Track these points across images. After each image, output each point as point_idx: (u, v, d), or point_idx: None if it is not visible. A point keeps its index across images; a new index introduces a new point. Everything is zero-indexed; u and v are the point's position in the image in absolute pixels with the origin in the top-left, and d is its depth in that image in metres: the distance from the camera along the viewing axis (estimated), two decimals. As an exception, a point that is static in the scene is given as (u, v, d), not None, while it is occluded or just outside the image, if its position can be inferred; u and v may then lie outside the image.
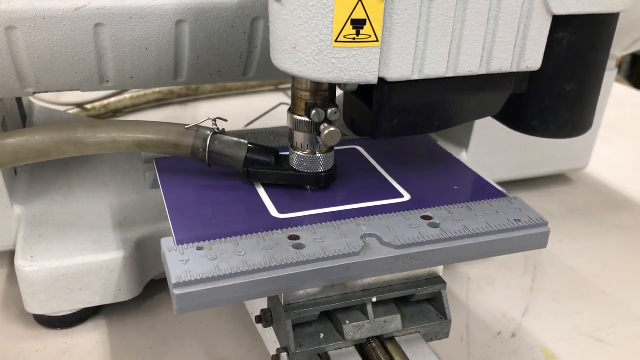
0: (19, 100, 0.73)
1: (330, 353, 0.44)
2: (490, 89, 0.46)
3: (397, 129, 0.45)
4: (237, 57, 0.56)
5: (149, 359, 0.54)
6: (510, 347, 0.57)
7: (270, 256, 0.41)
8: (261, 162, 0.50)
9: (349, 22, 0.39)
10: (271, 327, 0.47)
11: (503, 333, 0.59)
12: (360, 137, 0.59)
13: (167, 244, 0.42)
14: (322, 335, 0.44)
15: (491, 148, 0.75)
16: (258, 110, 1.05)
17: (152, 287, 0.60)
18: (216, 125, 0.50)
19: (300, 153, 0.49)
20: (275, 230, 0.44)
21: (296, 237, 0.43)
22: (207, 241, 0.42)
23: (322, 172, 0.49)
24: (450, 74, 0.43)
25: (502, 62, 0.44)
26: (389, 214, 0.47)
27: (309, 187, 0.50)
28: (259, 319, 0.47)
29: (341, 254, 0.42)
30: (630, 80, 2.01)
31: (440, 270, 0.48)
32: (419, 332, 0.47)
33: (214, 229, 0.44)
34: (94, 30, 0.50)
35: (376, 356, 0.44)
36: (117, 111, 1.04)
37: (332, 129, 0.45)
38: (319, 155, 0.48)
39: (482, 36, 0.43)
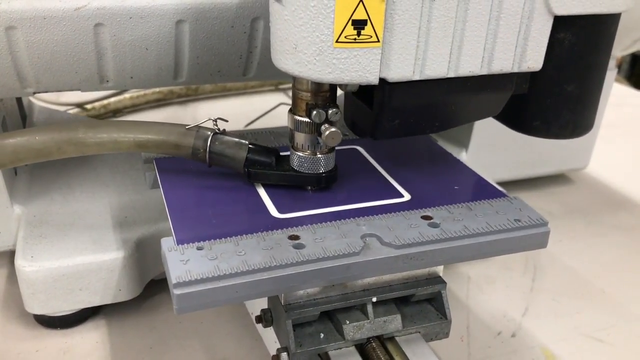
0: (19, 100, 0.73)
1: (330, 353, 0.44)
2: (491, 90, 0.46)
3: (398, 129, 0.45)
4: (237, 57, 0.56)
5: (148, 359, 0.54)
6: (510, 347, 0.57)
7: (270, 256, 0.41)
8: (262, 162, 0.50)
9: (350, 22, 0.38)
10: (271, 327, 0.47)
11: (503, 333, 0.59)
12: (359, 137, 0.59)
13: (167, 243, 0.42)
14: (322, 335, 0.44)
15: (491, 148, 0.75)
16: (258, 110, 1.05)
17: (152, 287, 0.60)
18: (217, 125, 0.50)
19: (301, 154, 0.49)
20: (275, 230, 0.44)
21: (296, 237, 0.43)
22: (207, 241, 0.42)
23: (322, 173, 0.49)
24: (452, 75, 0.43)
25: (503, 63, 0.44)
26: (389, 213, 0.47)
27: (309, 187, 0.50)
28: (259, 319, 0.47)
29: (341, 254, 0.42)
30: (630, 80, 2.01)
31: (440, 270, 0.48)
32: (419, 332, 0.47)
33: (214, 229, 0.44)
34: (94, 30, 0.50)
35: (376, 356, 0.44)
36: (117, 111, 1.04)
37: (333, 129, 0.45)
38: (319, 155, 0.48)
39: (483, 36, 0.43)
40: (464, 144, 0.75)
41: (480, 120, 0.51)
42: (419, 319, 0.47)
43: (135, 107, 1.06)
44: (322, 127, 0.46)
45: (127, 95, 1.05)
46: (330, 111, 0.46)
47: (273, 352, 0.46)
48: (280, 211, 0.47)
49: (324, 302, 0.44)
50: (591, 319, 0.61)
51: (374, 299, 0.45)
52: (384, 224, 0.45)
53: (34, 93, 0.54)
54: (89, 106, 1.01)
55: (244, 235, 0.43)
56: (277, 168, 0.50)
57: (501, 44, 0.43)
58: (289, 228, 0.44)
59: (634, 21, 0.66)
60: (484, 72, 0.44)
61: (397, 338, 0.46)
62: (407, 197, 0.50)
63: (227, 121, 0.50)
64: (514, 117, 0.50)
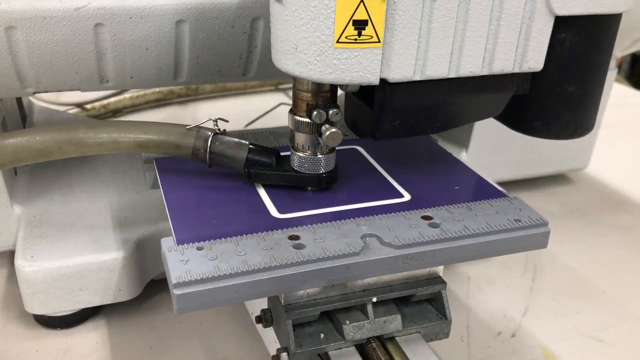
0: (19, 100, 0.73)
1: (331, 353, 0.44)
2: (492, 90, 0.46)
3: (399, 130, 0.45)
4: (237, 57, 0.56)
5: (148, 358, 0.54)
6: (510, 347, 0.57)
7: (270, 256, 0.41)
8: (262, 162, 0.50)
9: (351, 22, 0.38)
10: (271, 327, 0.47)
11: (503, 333, 0.59)
12: (360, 137, 0.59)
13: (167, 244, 0.42)
14: (322, 335, 0.44)
15: (491, 148, 0.75)
16: (258, 110, 1.05)
17: (152, 287, 0.60)
18: (217, 125, 0.50)
19: (301, 154, 0.48)
20: (275, 230, 0.44)
21: (296, 237, 0.43)
22: (207, 241, 0.42)
23: (323, 173, 0.49)
24: (452, 75, 0.43)
25: (504, 63, 0.44)
26: (389, 214, 0.47)
27: (310, 188, 0.50)
28: (259, 319, 0.47)
29: (341, 254, 0.42)
30: (630, 80, 2.01)
31: (440, 270, 0.48)
32: (419, 332, 0.47)
33: (214, 229, 0.44)
34: (94, 30, 0.50)
35: (376, 356, 0.44)
36: (117, 111, 1.04)
37: (334, 130, 0.45)
38: (320, 156, 0.48)
39: (484, 37, 0.43)
40: (464, 144, 0.75)
41: (481, 121, 0.51)
42: (419, 319, 0.47)
43: (135, 107, 1.06)
44: (323, 128, 0.46)
45: (127, 95, 1.05)
46: (330, 111, 0.46)
47: (273, 352, 0.46)
48: (280, 211, 0.47)
49: (324, 302, 0.44)
50: (591, 319, 0.61)
51: (374, 299, 0.45)
52: (384, 224, 0.45)
53: (34, 93, 0.54)
54: (89, 106, 1.01)
55: (244, 235, 0.43)
56: (278, 168, 0.50)
57: (502, 44, 0.43)
58: (289, 228, 0.44)
59: (634, 21, 0.66)
60: (485, 72, 0.44)
61: (397, 338, 0.46)
62: (407, 197, 0.50)
63: (227, 121, 0.50)
64: (514, 118, 0.50)
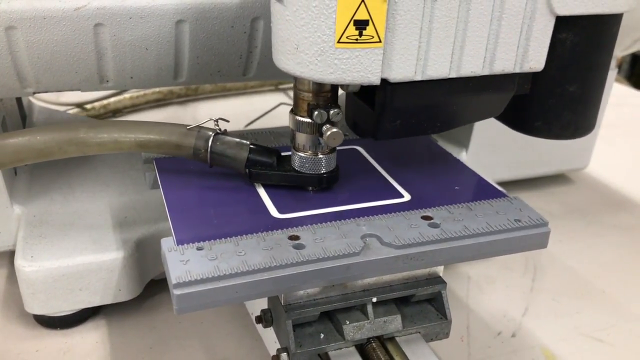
0: (18, 100, 0.73)
1: (330, 353, 0.44)
2: (493, 90, 0.46)
3: (400, 130, 0.45)
4: (237, 57, 0.56)
5: (148, 359, 0.54)
6: (510, 347, 0.57)
7: (271, 256, 0.41)
8: (263, 162, 0.50)
9: (352, 22, 0.38)
10: (271, 327, 0.47)
11: (503, 333, 0.59)
12: (361, 138, 0.59)
13: (167, 244, 0.42)
14: (322, 336, 0.44)
15: (491, 148, 0.75)
16: (258, 110, 1.05)
17: (152, 287, 0.60)
18: (218, 125, 0.50)
19: (302, 154, 0.48)
20: (275, 231, 0.44)
21: (296, 237, 0.43)
22: (207, 241, 0.42)
23: (324, 173, 0.49)
24: (453, 75, 0.43)
25: (505, 63, 0.44)
26: (389, 214, 0.47)
27: (310, 188, 0.50)
28: (259, 319, 0.47)
29: (341, 254, 0.41)
30: (630, 80, 2.01)
31: (440, 270, 0.48)
32: (419, 332, 0.47)
33: (214, 229, 0.44)
34: (94, 30, 0.50)
35: (376, 356, 0.44)
36: (117, 111, 1.04)
37: (335, 130, 0.45)
38: (321, 156, 0.48)
39: (485, 37, 0.43)
40: (464, 144, 0.74)
41: (481, 121, 0.51)
42: (419, 319, 0.47)
43: (135, 107, 1.06)
44: (324, 128, 0.46)
45: (127, 95, 1.05)
46: (331, 111, 0.46)
47: (273, 352, 0.46)
48: (280, 211, 0.47)
49: (324, 303, 0.44)
50: (591, 319, 0.61)
51: (374, 299, 0.45)
52: (384, 224, 0.45)
53: (34, 93, 0.54)
54: (88, 106, 1.01)
55: (244, 235, 0.43)
56: (279, 168, 0.50)
57: (503, 45, 0.43)
58: (289, 228, 0.44)
59: (634, 21, 0.66)
60: (486, 72, 0.44)
61: (397, 338, 0.46)
62: (407, 197, 0.50)
63: (228, 121, 0.50)
64: (515, 118, 0.50)
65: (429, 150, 0.60)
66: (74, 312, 0.56)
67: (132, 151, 0.49)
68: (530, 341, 0.58)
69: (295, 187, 0.50)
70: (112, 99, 1.03)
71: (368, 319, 0.45)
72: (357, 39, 0.39)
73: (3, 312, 0.59)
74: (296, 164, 0.49)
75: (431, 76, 0.42)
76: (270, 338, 0.48)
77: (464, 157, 0.74)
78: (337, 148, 0.50)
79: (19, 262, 0.53)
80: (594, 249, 0.72)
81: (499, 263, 0.68)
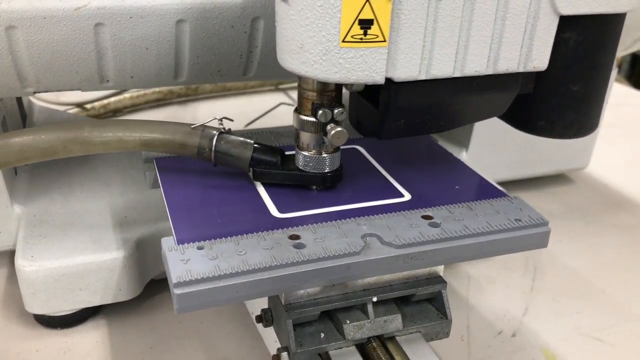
0: (19, 100, 0.73)
1: (331, 352, 0.44)
2: (496, 89, 0.46)
3: (404, 129, 0.45)
4: (237, 56, 0.56)
5: (149, 358, 0.54)
6: (510, 346, 0.57)
7: (271, 256, 0.41)
8: (267, 162, 0.50)
9: (357, 22, 0.38)
10: (271, 327, 0.47)
11: (503, 333, 0.59)
12: (361, 137, 0.59)
13: (168, 243, 0.42)
14: (322, 335, 0.44)
15: (491, 148, 0.75)
16: (258, 110, 1.05)
17: (152, 287, 0.60)
18: (222, 124, 0.50)
19: (306, 153, 0.49)
20: (275, 230, 0.44)
21: (296, 237, 0.43)
22: (207, 240, 0.42)
23: (328, 172, 0.49)
24: (457, 74, 0.43)
25: (509, 62, 0.44)
26: (390, 213, 0.47)
27: (314, 187, 0.50)
28: (259, 319, 0.47)
29: (341, 253, 0.41)
30: (630, 80, 2.01)
31: (440, 269, 0.48)
32: (420, 332, 0.47)
33: (215, 229, 0.44)
34: (94, 30, 0.50)
35: (376, 356, 0.44)
36: (117, 111, 1.04)
37: (339, 129, 0.45)
38: (325, 155, 0.48)
39: (489, 36, 0.43)
40: (464, 143, 0.75)
41: (481, 121, 0.51)
42: (419, 319, 0.47)
43: (135, 107, 1.06)
44: (328, 127, 0.46)
45: (127, 95, 1.05)
46: (336, 111, 0.46)
47: (273, 351, 0.46)
48: (280, 211, 0.47)
49: (324, 302, 0.44)
50: (591, 319, 0.61)
51: (375, 299, 0.45)
52: (384, 223, 0.45)
53: (34, 93, 0.54)
54: (88, 106, 1.01)
55: (245, 234, 0.43)
56: (282, 167, 0.50)
57: (507, 44, 0.43)
58: (289, 228, 0.44)
59: (635, 20, 0.66)
60: (490, 71, 0.44)
61: (397, 338, 0.46)
62: (407, 196, 0.50)
63: (232, 120, 0.50)
64: (518, 117, 0.50)
65: (429, 150, 0.60)
66: (74, 311, 0.56)
67: (137, 150, 0.49)
68: (530, 341, 0.58)
69: (297, 186, 0.50)
70: (112, 99, 1.03)
71: (368, 319, 0.45)
72: (361, 38, 0.39)
73: (3, 312, 0.59)
74: (300, 163, 0.49)
75: (435, 75, 0.43)
76: (270, 337, 0.48)
77: (464, 156, 0.74)
78: (338, 147, 0.50)
79: (19, 261, 0.53)
80: (594, 249, 0.72)
81: (499, 263, 0.68)
